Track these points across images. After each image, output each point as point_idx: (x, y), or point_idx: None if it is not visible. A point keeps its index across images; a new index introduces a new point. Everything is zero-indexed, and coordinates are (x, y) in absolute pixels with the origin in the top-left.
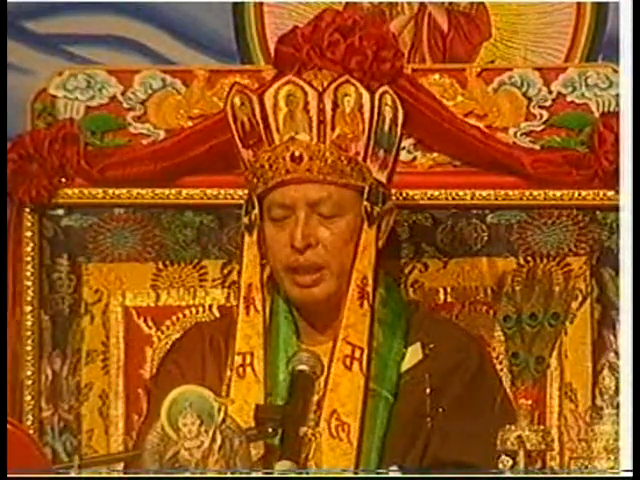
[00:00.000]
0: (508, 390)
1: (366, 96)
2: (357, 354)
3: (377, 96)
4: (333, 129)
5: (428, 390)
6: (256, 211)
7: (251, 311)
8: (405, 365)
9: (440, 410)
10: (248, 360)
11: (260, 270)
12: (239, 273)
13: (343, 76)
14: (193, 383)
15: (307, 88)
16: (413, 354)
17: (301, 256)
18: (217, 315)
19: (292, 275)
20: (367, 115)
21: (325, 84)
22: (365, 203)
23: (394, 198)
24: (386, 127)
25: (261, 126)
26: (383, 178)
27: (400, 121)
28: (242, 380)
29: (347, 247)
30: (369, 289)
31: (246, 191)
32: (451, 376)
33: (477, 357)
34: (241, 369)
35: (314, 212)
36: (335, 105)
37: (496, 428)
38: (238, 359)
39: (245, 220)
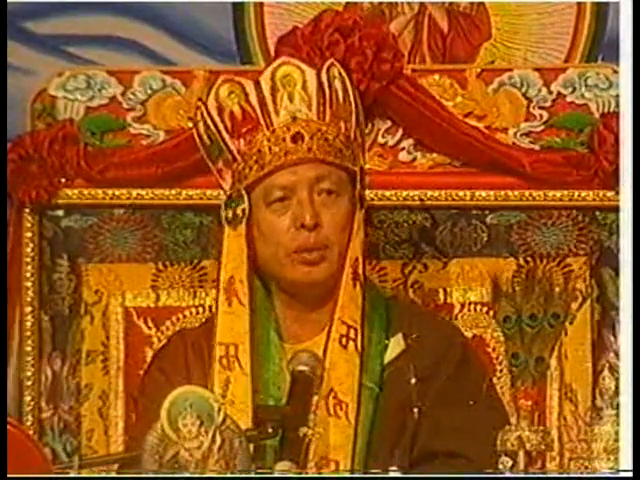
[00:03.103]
0: (506, 389)
1: (348, 80)
2: (352, 334)
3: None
4: (331, 107)
5: (413, 380)
6: (244, 204)
7: (234, 303)
8: (388, 356)
9: (425, 401)
10: (232, 351)
11: (246, 263)
12: (217, 269)
13: (329, 59)
14: (188, 385)
15: (304, 67)
16: (395, 345)
17: (310, 234)
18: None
19: (299, 254)
20: (352, 97)
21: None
22: (358, 186)
23: (394, 199)
24: (361, 115)
25: (258, 110)
26: (364, 165)
27: (360, 109)
28: (227, 372)
29: (345, 230)
30: (360, 270)
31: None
32: (435, 366)
33: (460, 346)
34: (225, 360)
35: (315, 192)
36: (330, 84)
37: (482, 417)
38: (221, 349)
39: (228, 214)
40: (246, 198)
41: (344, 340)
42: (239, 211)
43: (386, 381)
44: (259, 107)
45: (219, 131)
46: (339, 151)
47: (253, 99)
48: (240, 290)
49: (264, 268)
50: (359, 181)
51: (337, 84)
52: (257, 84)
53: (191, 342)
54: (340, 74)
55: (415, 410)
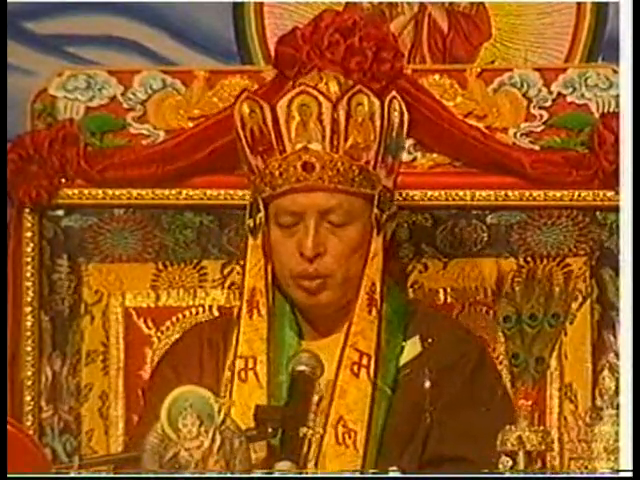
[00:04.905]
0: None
1: (377, 104)
2: (364, 361)
3: (386, 103)
4: (346, 139)
5: (427, 384)
6: (261, 214)
7: (254, 315)
8: (404, 358)
9: (438, 406)
10: (251, 364)
11: (265, 274)
12: (242, 276)
13: (356, 86)
14: (189, 385)
15: (321, 98)
16: (412, 347)
17: (310, 265)
18: (217, 315)
19: (299, 281)
20: (378, 123)
21: (334, 90)
22: (375, 211)
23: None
24: (394, 133)
25: (272, 135)
26: (390, 183)
27: (406, 125)
28: (244, 384)
29: (355, 255)
30: (377, 296)
31: (247, 192)
32: (451, 370)
33: (477, 352)
34: (243, 373)
35: (324, 220)
36: (348, 115)
37: (496, 423)
38: (240, 363)
39: (249, 223)
40: (262, 207)
41: (356, 367)
42: (257, 220)
43: (400, 383)
44: (273, 132)
45: (241, 142)
46: (352, 180)
47: (269, 123)
48: (260, 301)
49: (277, 280)
50: (376, 205)
51: (359, 112)
52: (273, 109)
53: (207, 337)
54: (368, 99)
55: (428, 414)
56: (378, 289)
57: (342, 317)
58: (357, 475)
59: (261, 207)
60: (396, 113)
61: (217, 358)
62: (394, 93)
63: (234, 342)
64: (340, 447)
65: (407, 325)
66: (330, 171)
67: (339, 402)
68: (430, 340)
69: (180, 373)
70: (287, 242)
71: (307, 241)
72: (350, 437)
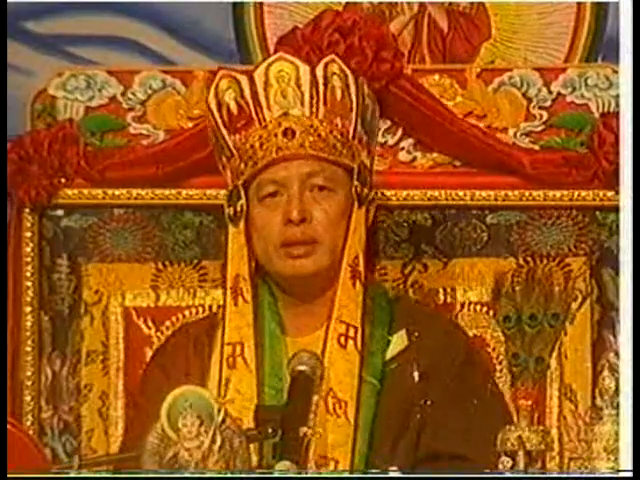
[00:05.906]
0: (506, 389)
1: (351, 77)
2: (351, 332)
3: (360, 82)
4: (325, 104)
5: (416, 378)
6: (242, 201)
7: (239, 301)
8: (390, 352)
9: (429, 401)
10: (238, 350)
11: (247, 260)
12: (224, 265)
13: (329, 55)
14: (177, 386)
15: (298, 63)
16: (398, 341)
17: (297, 229)
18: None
19: (285, 248)
20: (353, 94)
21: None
22: (356, 183)
23: (394, 199)
24: (368, 114)
25: (252, 105)
26: (368, 163)
27: (377, 114)
28: (233, 370)
29: (338, 226)
30: (361, 268)
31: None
32: (438, 364)
33: (464, 346)
34: (231, 359)
35: (306, 187)
36: (326, 80)
37: (487, 418)
38: (228, 349)
39: (230, 211)
40: (243, 194)
41: (343, 339)
42: (238, 207)
43: (387, 377)
44: (252, 102)
45: (218, 127)
46: (333, 147)
47: (247, 94)
48: (244, 288)
49: (260, 263)
50: (356, 178)
51: (335, 80)
52: (251, 79)
53: (194, 337)
54: (342, 70)
55: (418, 409)
56: (361, 262)
57: (326, 292)
58: (357, 475)
59: (242, 194)
60: (368, 97)
61: (202, 359)
62: (362, 78)
63: (220, 337)
64: (332, 417)
65: (392, 320)
66: (311, 137)
67: (328, 373)
68: (417, 334)
69: (168, 373)
70: (271, 215)
71: (292, 206)
72: (340, 407)
